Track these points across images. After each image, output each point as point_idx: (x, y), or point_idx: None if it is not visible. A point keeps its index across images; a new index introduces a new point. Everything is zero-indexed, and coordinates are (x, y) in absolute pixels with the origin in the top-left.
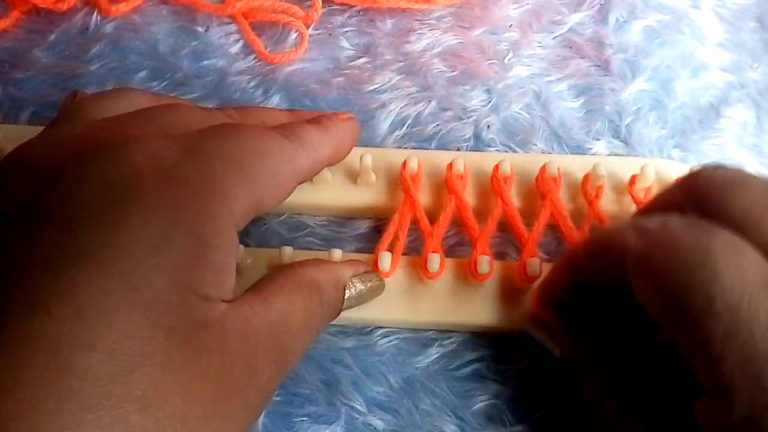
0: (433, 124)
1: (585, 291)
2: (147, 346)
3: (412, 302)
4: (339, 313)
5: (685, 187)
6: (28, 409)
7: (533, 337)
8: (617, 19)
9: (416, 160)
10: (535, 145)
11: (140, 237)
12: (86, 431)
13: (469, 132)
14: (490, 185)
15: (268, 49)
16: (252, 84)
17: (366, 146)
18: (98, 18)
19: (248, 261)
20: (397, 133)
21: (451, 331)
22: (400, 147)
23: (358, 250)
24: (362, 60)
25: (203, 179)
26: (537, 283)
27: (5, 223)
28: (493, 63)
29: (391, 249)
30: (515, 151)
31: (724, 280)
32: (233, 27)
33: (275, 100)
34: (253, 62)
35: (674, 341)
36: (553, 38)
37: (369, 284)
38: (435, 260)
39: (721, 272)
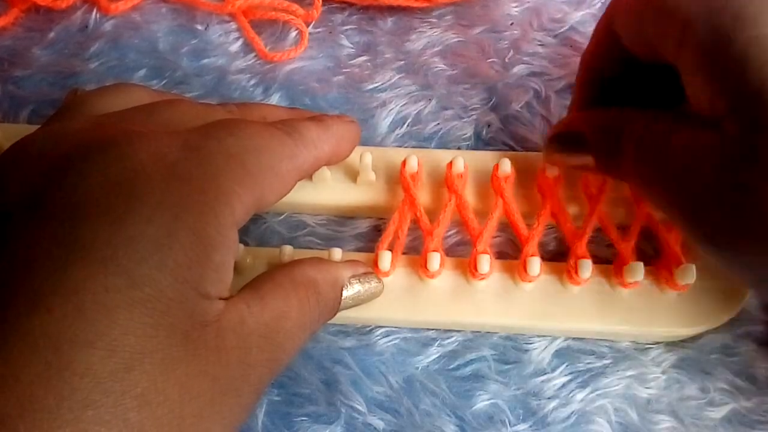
0: (434, 123)
1: (615, 62)
2: (148, 343)
3: (413, 301)
4: (335, 314)
5: None
6: (27, 405)
7: (560, 160)
8: None
9: (416, 158)
10: (536, 143)
11: (143, 234)
12: (85, 428)
13: (469, 131)
14: (491, 184)
15: (268, 48)
16: (252, 82)
17: (366, 145)
18: (98, 16)
19: (248, 260)
20: (397, 131)
21: (451, 331)
22: (400, 146)
23: (358, 249)
24: (362, 58)
25: (205, 177)
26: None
27: (6, 218)
28: (493, 61)
29: (391, 248)
30: (516, 150)
31: None
32: (233, 25)
33: (275, 99)
34: (252, 60)
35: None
36: (554, 37)
37: (367, 285)
38: (435, 259)
39: None
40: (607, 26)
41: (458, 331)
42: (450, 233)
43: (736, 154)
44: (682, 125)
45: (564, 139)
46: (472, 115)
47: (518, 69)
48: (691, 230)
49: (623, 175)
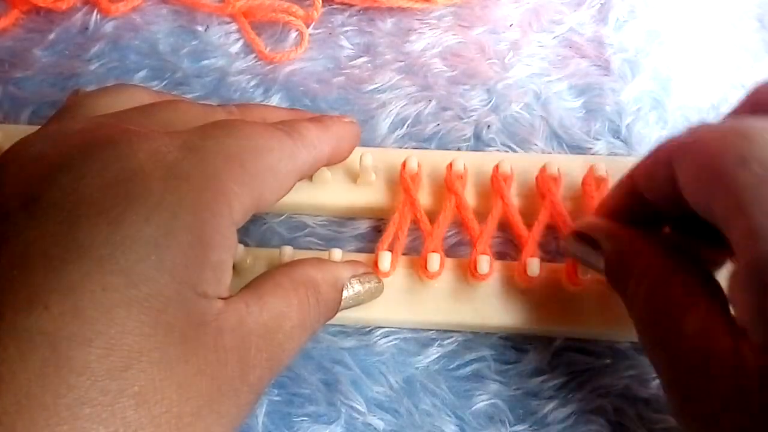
0: (433, 124)
1: (640, 215)
2: (145, 342)
3: (412, 302)
4: (335, 314)
5: (749, 100)
6: (24, 403)
7: (575, 254)
8: (617, 19)
9: (416, 159)
10: (535, 144)
11: (141, 234)
12: (83, 426)
13: (469, 132)
14: (490, 185)
15: (268, 49)
16: (252, 83)
17: (366, 146)
18: (98, 17)
19: (248, 261)
20: (397, 132)
21: (451, 331)
22: (400, 147)
23: (358, 250)
24: (362, 59)
25: (204, 177)
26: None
27: (5, 217)
28: (493, 62)
29: (391, 249)
30: (515, 151)
31: (756, 140)
32: (233, 26)
33: (275, 100)
34: (253, 62)
35: (712, 218)
36: (554, 38)
37: (367, 285)
38: (435, 260)
39: (755, 135)
40: (667, 162)
41: (458, 331)
42: (450, 234)
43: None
44: (696, 303)
45: (583, 240)
46: (472, 116)
47: (518, 70)
48: (675, 412)
49: (628, 309)
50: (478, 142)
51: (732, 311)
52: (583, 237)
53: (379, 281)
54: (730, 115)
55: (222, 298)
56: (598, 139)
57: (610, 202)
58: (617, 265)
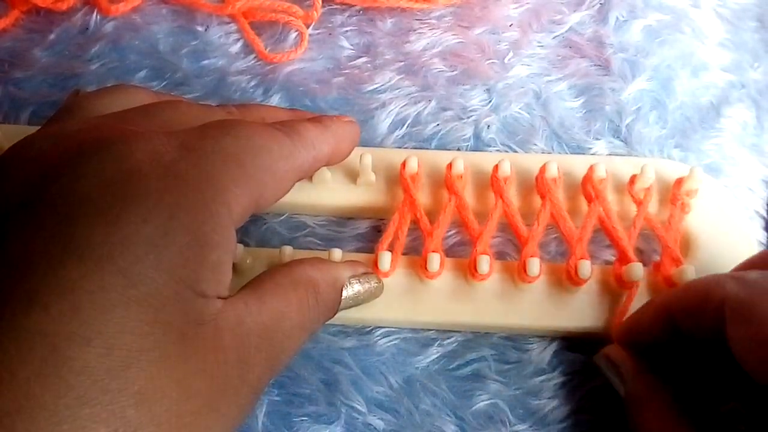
0: (433, 124)
1: (671, 338)
2: (144, 341)
3: (412, 302)
4: (335, 314)
5: None
6: (24, 402)
7: (600, 370)
8: (617, 19)
9: (416, 159)
10: (535, 144)
11: (139, 233)
12: (83, 425)
13: (469, 132)
14: (490, 185)
15: (267, 49)
16: (252, 84)
17: (366, 146)
18: (98, 17)
19: (248, 261)
20: (396, 132)
21: (451, 331)
22: (399, 147)
23: (357, 250)
24: (362, 59)
25: (202, 177)
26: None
27: (4, 217)
28: (493, 62)
29: (391, 249)
30: (515, 151)
31: None
32: (233, 26)
33: (275, 100)
34: (252, 62)
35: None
36: (553, 38)
37: (367, 285)
38: (435, 260)
39: None
40: (666, 318)
41: (458, 331)
42: (450, 234)
43: None
44: None
45: (610, 363)
46: (472, 116)
47: (518, 70)
48: None
49: None
50: (478, 142)
51: None
52: (611, 361)
53: (379, 281)
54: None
55: (221, 298)
56: (598, 139)
57: (637, 325)
58: (634, 407)
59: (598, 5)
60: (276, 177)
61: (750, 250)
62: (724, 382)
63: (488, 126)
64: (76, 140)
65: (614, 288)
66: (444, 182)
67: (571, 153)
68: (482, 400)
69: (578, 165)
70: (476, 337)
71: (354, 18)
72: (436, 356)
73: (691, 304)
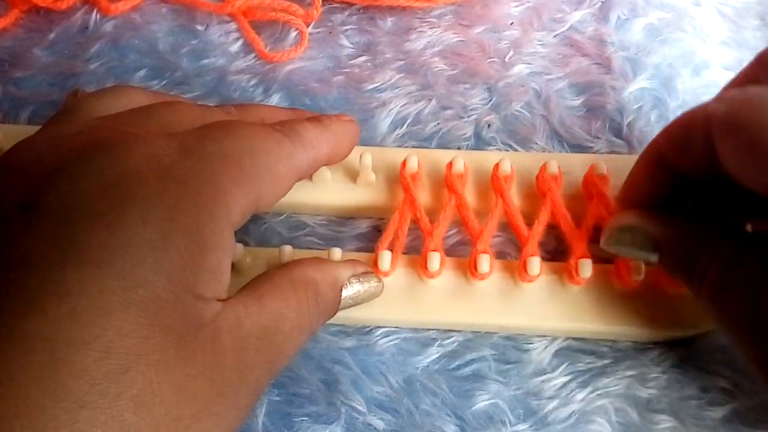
0: (434, 123)
1: (667, 188)
2: (143, 345)
3: (413, 301)
4: (335, 314)
5: (762, 61)
6: (23, 406)
7: (618, 251)
8: (618, 17)
9: (416, 159)
10: (536, 143)
11: (138, 236)
12: (81, 429)
13: (469, 131)
14: (491, 184)
15: (267, 48)
16: (252, 83)
17: (366, 145)
18: (98, 17)
19: (248, 260)
20: (397, 131)
21: (451, 331)
22: (400, 146)
23: (358, 250)
24: (362, 58)
25: (201, 179)
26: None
27: (3, 221)
28: (493, 61)
29: (391, 248)
30: (516, 150)
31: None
32: (233, 25)
33: (275, 99)
34: (252, 61)
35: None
36: (554, 36)
37: (367, 285)
38: (435, 259)
39: None
40: (659, 161)
41: (458, 331)
42: (450, 233)
43: None
44: None
45: (632, 235)
46: (472, 115)
47: (518, 69)
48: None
49: (696, 295)
50: (479, 141)
51: None
52: (629, 229)
53: (379, 281)
54: (737, 83)
55: (220, 300)
56: (598, 138)
57: (634, 183)
58: (679, 250)
59: (599, 4)
60: (275, 178)
61: None
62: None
63: (489, 125)
64: (75, 143)
65: (615, 287)
66: (444, 181)
67: (572, 152)
68: (482, 400)
69: (579, 164)
70: (476, 337)
71: (354, 17)
72: (436, 356)
73: (679, 136)
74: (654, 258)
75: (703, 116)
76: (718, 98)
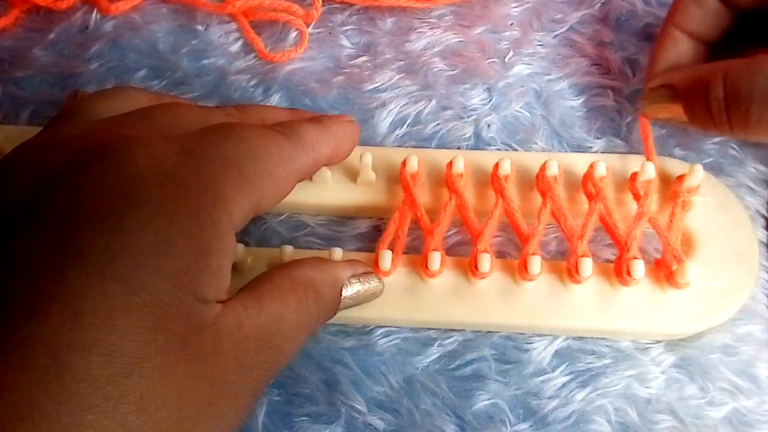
0: (434, 123)
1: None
2: (146, 348)
3: (413, 301)
4: (335, 314)
5: None
6: (26, 410)
7: (655, 115)
8: (618, 18)
9: (416, 158)
10: (536, 143)
11: (140, 240)
12: None
13: (469, 131)
14: (491, 184)
15: (268, 48)
16: (252, 83)
17: (366, 145)
18: (98, 17)
19: (248, 260)
20: (397, 132)
21: (451, 331)
22: (400, 146)
23: (358, 250)
24: (362, 59)
25: (202, 182)
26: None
27: (4, 224)
28: (493, 62)
29: (391, 248)
30: (515, 150)
31: None
32: (233, 26)
33: (275, 99)
34: (253, 61)
35: None
36: (554, 37)
37: (367, 285)
38: (436, 259)
39: None
40: None
41: (458, 330)
42: (450, 233)
43: None
44: None
45: (657, 94)
46: (472, 115)
47: (518, 69)
48: None
49: (715, 123)
50: (479, 141)
51: None
52: (659, 87)
53: (380, 281)
54: None
55: (220, 302)
56: (598, 138)
57: (662, 56)
58: (693, 82)
59: (599, 4)
60: (276, 180)
61: (751, 248)
62: None
63: (488, 125)
64: (76, 146)
65: (616, 286)
66: (444, 181)
67: (572, 152)
68: (482, 400)
69: (579, 163)
70: (476, 336)
71: (354, 17)
72: (436, 356)
73: None
74: (680, 111)
75: None
76: None
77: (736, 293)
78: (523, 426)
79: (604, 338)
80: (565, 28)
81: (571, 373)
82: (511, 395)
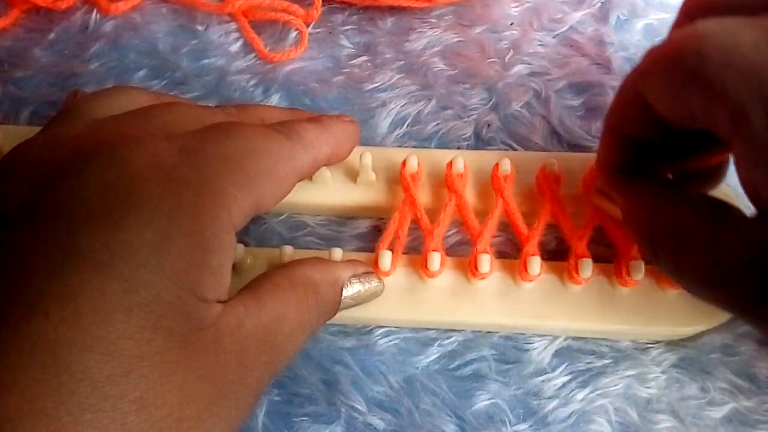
0: (434, 123)
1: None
2: (145, 347)
3: (413, 301)
4: (335, 314)
5: (681, 13)
6: (26, 409)
7: (603, 209)
8: (618, 18)
9: (416, 158)
10: (536, 143)
11: (140, 239)
12: (84, 431)
13: (469, 130)
14: (491, 184)
15: (267, 48)
16: (252, 83)
17: (366, 145)
18: (98, 17)
19: (248, 261)
20: (397, 131)
21: (451, 331)
22: (400, 146)
23: (358, 250)
24: (362, 58)
25: (202, 181)
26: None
27: (4, 223)
28: (493, 61)
29: (391, 248)
30: (515, 150)
31: (706, 33)
32: (233, 25)
33: (275, 99)
34: (252, 61)
35: (694, 122)
36: (554, 36)
37: (368, 285)
38: (435, 259)
39: (702, 32)
40: (635, 92)
41: (458, 330)
42: (450, 233)
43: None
44: (723, 218)
45: (604, 195)
46: (472, 115)
47: (518, 69)
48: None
49: (658, 267)
50: (479, 141)
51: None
52: (603, 193)
53: (380, 281)
54: (670, 32)
55: (221, 301)
56: (598, 138)
57: (602, 156)
58: (630, 219)
59: (599, 4)
60: (276, 179)
61: None
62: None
63: (488, 125)
64: (76, 145)
65: (615, 287)
66: (444, 181)
67: (572, 151)
68: (482, 400)
69: (578, 163)
70: (476, 336)
71: (354, 17)
72: (436, 356)
73: (621, 103)
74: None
75: (631, 75)
76: (713, 21)
77: None
78: (523, 426)
79: (604, 338)
80: (565, 28)
81: (571, 373)
82: (511, 395)
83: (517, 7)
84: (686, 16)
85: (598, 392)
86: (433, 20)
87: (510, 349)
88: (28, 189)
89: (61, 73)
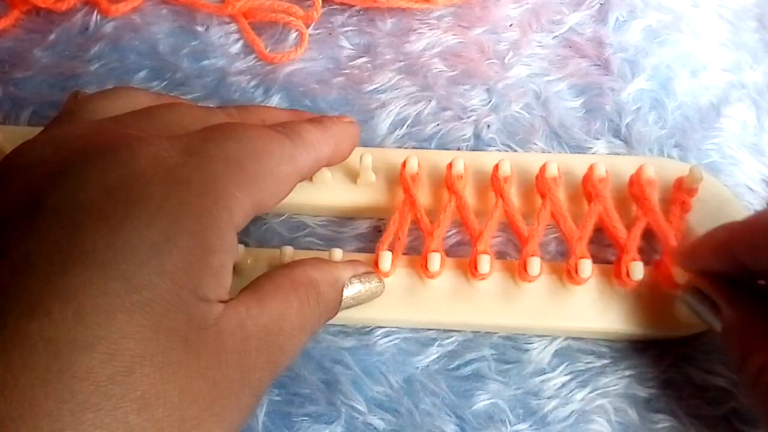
0: (433, 124)
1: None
2: (147, 347)
3: (413, 302)
4: (336, 314)
5: None
6: (28, 409)
7: (688, 305)
8: (617, 19)
9: (416, 159)
10: (535, 144)
11: (142, 239)
12: (85, 430)
13: (469, 131)
14: (490, 185)
15: (268, 49)
16: (252, 84)
17: (366, 146)
18: (98, 18)
19: (248, 261)
20: (397, 132)
21: (451, 331)
22: (400, 147)
23: (358, 250)
24: (362, 60)
25: (204, 181)
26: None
27: (7, 224)
28: (493, 62)
29: (391, 248)
30: (515, 151)
31: None
32: (233, 27)
33: (275, 100)
34: (253, 62)
35: None
36: (553, 38)
37: (368, 285)
38: (435, 259)
39: None
40: (728, 250)
41: (458, 331)
42: (450, 233)
43: None
44: None
45: (700, 295)
46: (472, 116)
47: (518, 70)
48: None
49: (741, 378)
50: (478, 142)
51: None
52: (701, 294)
53: (380, 281)
54: None
55: (222, 301)
56: (597, 139)
57: (703, 260)
58: (737, 337)
59: (598, 5)
60: (277, 180)
61: None
62: None
63: (488, 126)
64: (78, 145)
65: (615, 287)
66: (444, 182)
67: (571, 152)
68: (482, 400)
69: (578, 164)
70: (476, 336)
71: (354, 18)
72: (436, 356)
73: (757, 240)
74: (718, 328)
75: (725, 238)
76: None
77: None
78: (523, 426)
79: (603, 338)
80: (565, 29)
81: (570, 372)
82: (510, 395)
83: (516, 8)
84: None
85: (597, 392)
86: (432, 21)
87: (510, 349)
88: (30, 189)
89: (62, 74)
